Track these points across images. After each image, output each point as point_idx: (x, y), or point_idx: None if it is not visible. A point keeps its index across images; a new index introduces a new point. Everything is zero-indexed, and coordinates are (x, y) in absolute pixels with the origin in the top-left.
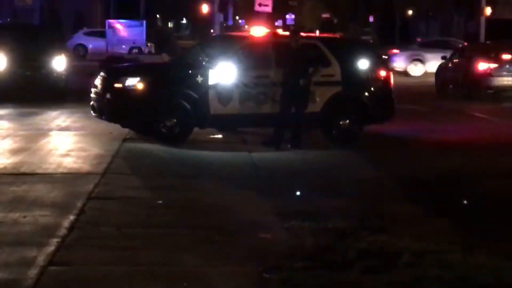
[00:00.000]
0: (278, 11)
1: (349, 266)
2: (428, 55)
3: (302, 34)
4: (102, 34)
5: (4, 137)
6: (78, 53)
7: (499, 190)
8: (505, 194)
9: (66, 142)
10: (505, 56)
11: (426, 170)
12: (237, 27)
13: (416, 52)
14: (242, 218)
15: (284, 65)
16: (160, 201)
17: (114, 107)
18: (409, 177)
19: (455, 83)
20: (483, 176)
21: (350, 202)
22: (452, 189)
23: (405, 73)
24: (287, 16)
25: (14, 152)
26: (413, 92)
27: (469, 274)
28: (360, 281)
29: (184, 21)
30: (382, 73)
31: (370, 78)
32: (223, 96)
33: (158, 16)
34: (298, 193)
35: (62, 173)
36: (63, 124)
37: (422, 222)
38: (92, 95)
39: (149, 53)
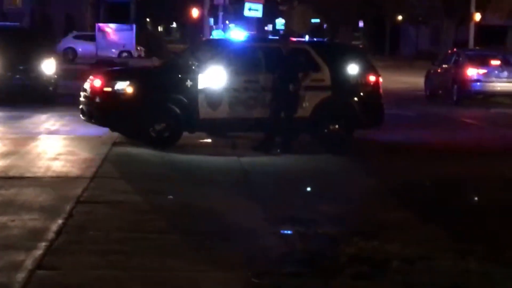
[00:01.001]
0: (268, 15)
1: (340, 272)
2: None
3: (292, 39)
4: (92, 38)
5: None
6: (67, 57)
7: (491, 195)
8: (496, 199)
9: (55, 145)
10: (494, 62)
11: (417, 176)
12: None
13: None
14: (232, 224)
15: (274, 70)
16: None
17: (103, 111)
18: (400, 183)
19: (444, 88)
20: (474, 182)
21: (341, 207)
22: (443, 195)
23: None
24: (277, 21)
25: (3, 155)
26: (402, 97)
27: (460, 280)
28: (351, 287)
29: (174, 25)
30: (372, 78)
31: (359, 84)
32: (213, 101)
33: (148, 20)
34: (288, 198)
35: (51, 177)
36: (52, 128)
37: (414, 228)
38: (82, 98)
39: (139, 57)
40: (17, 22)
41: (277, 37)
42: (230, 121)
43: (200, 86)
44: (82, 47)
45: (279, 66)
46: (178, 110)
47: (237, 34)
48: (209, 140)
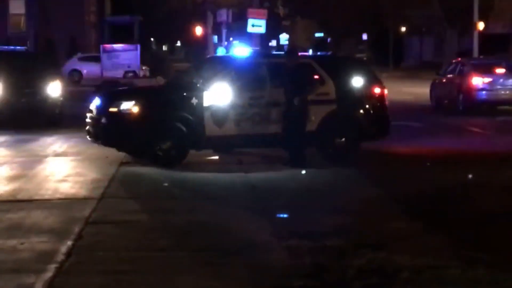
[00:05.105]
0: (272, 31)
1: (348, 284)
2: None
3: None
4: (96, 59)
5: (0, 164)
6: (73, 79)
7: (497, 203)
8: (502, 207)
9: (62, 167)
10: (499, 70)
11: (423, 186)
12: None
13: None
14: (240, 239)
15: (280, 85)
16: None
17: (109, 131)
18: (407, 193)
19: (450, 98)
20: (481, 190)
21: (348, 219)
22: (450, 204)
23: None
24: (281, 36)
25: (11, 179)
26: (408, 108)
27: None
28: None
29: (179, 43)
30: (377, 90)
31: (364, 96)
32: (218, 118)
33: (152, 39)
34: (295, 211)
35: (59, 199)
36: (59, 150)
37: (421, 237)
38: (88, 119)
39: (144, 76)
40: (21, 46)
41: (282, 52)
42: (236, 137)
43: (206, 103)
44: (87, 69)
45: (286, 81)
46: (184, 128)
47: (241, 50)
48: (216, 157)
